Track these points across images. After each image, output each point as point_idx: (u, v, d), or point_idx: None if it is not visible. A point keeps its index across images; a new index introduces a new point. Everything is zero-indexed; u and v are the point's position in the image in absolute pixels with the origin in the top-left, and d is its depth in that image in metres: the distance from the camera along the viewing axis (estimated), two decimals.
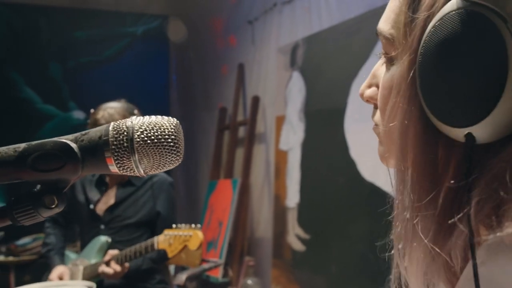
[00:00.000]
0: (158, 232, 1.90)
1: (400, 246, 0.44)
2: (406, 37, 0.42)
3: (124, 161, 0.40)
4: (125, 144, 0.40)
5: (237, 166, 3.43)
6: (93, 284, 1.02)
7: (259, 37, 3.31)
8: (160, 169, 0.42)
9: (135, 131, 0.41)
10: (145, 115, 1.64)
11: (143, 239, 1.94)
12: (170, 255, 1.74)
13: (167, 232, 1.74)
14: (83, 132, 0.42)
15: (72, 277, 1.91)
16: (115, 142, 0.40)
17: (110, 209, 1.97)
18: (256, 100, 3.23)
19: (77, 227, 2.14)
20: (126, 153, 0.40)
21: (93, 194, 2.03)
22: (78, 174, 0.41)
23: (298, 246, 2.69)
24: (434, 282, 0.42)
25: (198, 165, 4.24)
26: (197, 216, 3.56)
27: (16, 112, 3.50)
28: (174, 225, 1.77)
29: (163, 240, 1.68)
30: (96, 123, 1.88)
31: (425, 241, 0.39)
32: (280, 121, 2.93)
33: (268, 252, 3.01)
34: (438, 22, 0.37)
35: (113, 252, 1.83)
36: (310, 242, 2.61)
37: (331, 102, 2.47)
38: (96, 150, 0.40)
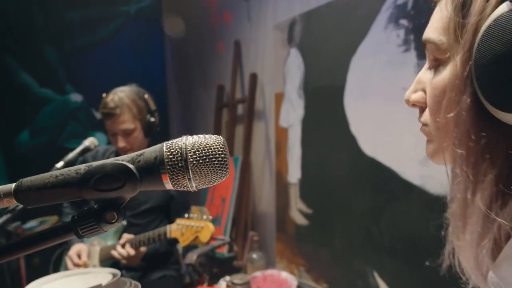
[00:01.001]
0: (172, 214, 1.94)
1: (456, 223, 0.51)
2: (457, 40, 0.48)
3: (179, 179, 0.44)
4: (180, 164, 0.43)
5: (237, 144, 3.46)
6: (118, 272, 1.07)
7: (255, 13, 3.28)
8: (211, 184, 0.46)
9: (188, 151, 0.44)
10: None
11: (157, 222, 1.99)
12: (182, 244, 1.79)
13: (179, 221, 1.78)
14: (138, 153, 0.45)
15: (90, 257, 1.97)
16: (169, 163, 0.43)
17: None
18: (254, 78, 3.23)
19: None
20: (181, 172, 0.44)
21: None
22: (136, 192, 0.44)
23: (301, 220, 2.76)
24: (484, 257, 0.49)
25: None
26: (199, 194, 3.62)
27: (14, 97, 3.48)
28: (186, 215, 1.81)
29: (176, 229, 1.72)
30: (105, 106, 1.91)
31: (483, 208, 0.46)
32: (279, 98, 2.95)
33: (271, 226, 3.08)
34: (493, 22, 0.42)
35: (128, 236, 1.88)
36: (313, 216, 2.68)
37: (330, 79, 2.49)
38: (152, 170, 0.44)
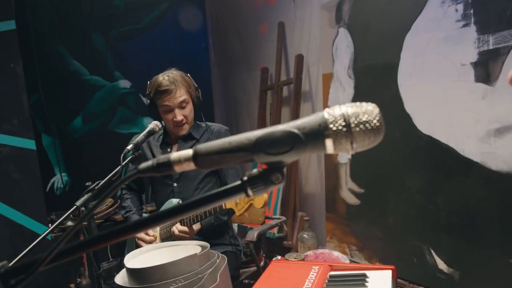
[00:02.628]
0: (224, 176, 2.04)
1: None
2: None
3: (342, 143, 0.48)
4: (344, 130, 0.47)
5: None
6: (207, 244, 1.13)
7: None
8: (368, 147, 0.49)
9: (350, 117, 0.48)
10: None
11: (210, 185, 2.09)
12: (237, 213, 1.86)
13: None
14: (303, 120, 0.49)
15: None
16: (334, 129, 0.47)
17: None
18: (300, 59, 3.24)
19: (151, 190, 2.28)
20: (344, 137, 0.48)
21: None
22: (301, 155, 0.49)
23: (352, 200, 2.78)
24: None
25: (240, 125, 4.33)
26: None
27: (67, 85, 3.62)
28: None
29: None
30: (161, 85, 2.07)
31: None
32: (327, 78, 2.95)
33: (321, 207, 3.11)
34: None
35: None
36: (365, 195, 2.69)
37: (382, 58, 2.47)
38: (317, 136, 0.48)
